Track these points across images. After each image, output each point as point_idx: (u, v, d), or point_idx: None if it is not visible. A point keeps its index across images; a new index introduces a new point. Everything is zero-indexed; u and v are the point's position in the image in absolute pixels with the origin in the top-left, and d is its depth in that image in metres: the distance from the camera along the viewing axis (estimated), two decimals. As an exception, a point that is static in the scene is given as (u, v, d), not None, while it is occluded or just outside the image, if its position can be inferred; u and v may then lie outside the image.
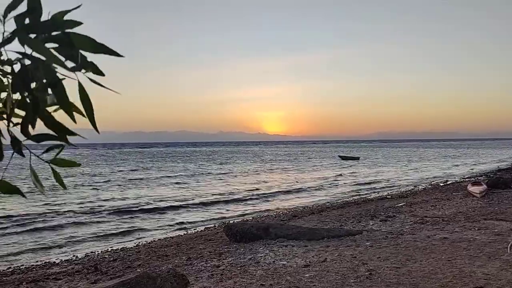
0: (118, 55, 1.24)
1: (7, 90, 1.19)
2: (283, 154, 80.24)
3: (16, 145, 1.25)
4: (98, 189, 24.41)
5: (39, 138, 1.26)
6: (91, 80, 1.25)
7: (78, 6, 1.22)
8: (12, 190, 1.27)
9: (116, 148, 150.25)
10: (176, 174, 34.75)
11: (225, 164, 49.37)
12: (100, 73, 1.26)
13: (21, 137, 1.26)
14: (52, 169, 1.35)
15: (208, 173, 35.94)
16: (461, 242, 7.46)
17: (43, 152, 1.33)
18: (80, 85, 1.23)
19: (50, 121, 1.24)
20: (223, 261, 7.19)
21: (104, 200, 19.60)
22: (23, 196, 1.32)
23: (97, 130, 1.29)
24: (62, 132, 1.25)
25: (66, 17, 1.20)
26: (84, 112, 1.25)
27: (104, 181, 28.99)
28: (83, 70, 1.24)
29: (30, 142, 1.27)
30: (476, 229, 8.67)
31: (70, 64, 1.22)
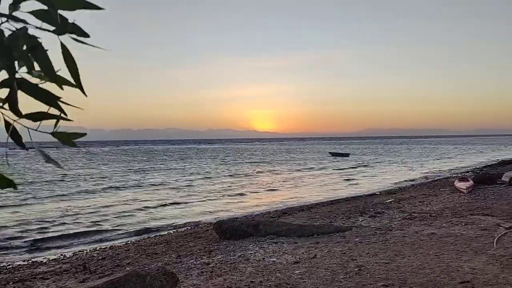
0: (98, 8, 1.16)
1: None
2: (272, 151, 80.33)
3: (8, 127, 1.19)
4: (86, 187, 24.17)
5: (32, 116, 1.21)
6: (74, 39, 1.18)
7: None
8: (6, 183, 1.23)
9: (105, 146, 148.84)
10: (165, 172, 34.58)
11: (214, 162, 49.25)
12: (84, 34, 1.19)
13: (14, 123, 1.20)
14: (58, 137, 1.27)
15: (196, 169, 35.84)
16: (448, 237, 7.56)
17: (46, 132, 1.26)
18: (63, 46, 1.16)
19: (35, 91, 1.17)
20: (213, 258, 7.18)
21: (92, 199, 19.41)
22: (15, 188, 1.27)
23: (83, 93, 1.22)
24: (51, 100, 1.19)
25: None
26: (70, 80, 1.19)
27: (92, 180, 28.72)
28: (66, 35, 1.17)
29: (24, 122, 1.21)
30: (463, 224, 8.79)
31: (50, 27, 1.15)
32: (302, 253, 7.05)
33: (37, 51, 1.14)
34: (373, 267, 5.94)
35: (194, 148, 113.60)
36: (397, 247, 7.07)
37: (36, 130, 1.23)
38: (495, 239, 7.13)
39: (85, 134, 1.32)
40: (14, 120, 1.21)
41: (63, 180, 27.49)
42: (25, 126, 1.23)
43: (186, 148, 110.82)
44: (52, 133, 1.25)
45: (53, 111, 1.22)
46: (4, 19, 1.12)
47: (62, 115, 1.23)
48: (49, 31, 1.15)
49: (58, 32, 1.16)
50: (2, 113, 1.19)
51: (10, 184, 1.23)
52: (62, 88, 1.21)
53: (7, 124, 1.20)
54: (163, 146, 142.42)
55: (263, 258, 6.84)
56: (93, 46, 1.19)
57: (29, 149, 1.29)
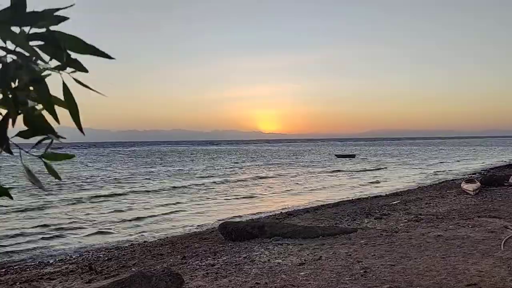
0: (108, 57, 1.19)
1: None
2: (278, 152, 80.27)
3: (3, 142, 1.21)
4: (92, 188, 24.29)
5: (26, 134, 1.23)
6: (76, 81, 1.20)
7: (70, 5, 1.17)
8: (1, 192, 1.24)
9: (110, 147, 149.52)
10: (169, 173, 34.66)
11: (220, 163, 49.31)
12: (83, 69, 1.21)
13: (10, 134, 1.22)
14: (44, 162, 1.30)
15: (202, 171, 35.89)
16: (455, 240, 7.51)
17: (33, 147, 1.28)
18: (64, 85, 1.18)
19: (31, 118, 1.19)
20: (218, 259, 7.18)
21: (98, 200, 19.50)
22: (10, 198, 1.28)
23: (82, 132, 1.24)
24: (43, 129, 1.21)
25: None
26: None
27: (97, 180, 28.87)
28: (68, 69, 1.19)
29: (18, 139, 1.23)
30: (470, 226, 8.72)
31: (54, 63, 1.17)
32: (307, 254, 7.03)
33: (39, 85, 1.17)
34: (378, 269, 5.91)
35: (201, 149, 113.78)
36: (403, 249, 7.03)
37: (27, 152, 1.25)
38: (503, 242, 7.07)
39: (73, 155, 1.35)
40: (8, 138, 1.22)
41: (74, 183, 27.66)
42: (15, 144, 1.24)
43: (194, 149, 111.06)
44: (42, 156, 1.27)
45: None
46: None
47: (55, 137, 1.25)
48: (52, 68, 1.17)
49: (61, 68, 1.19)
50: None
51: (5, 193, 1.24)
52: (58, 122, 1.23)
53: (3, 138, 1.21)
54: (169, 147, 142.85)
55: (268, 260, 6.83)
56: (92, 90, 1.23)
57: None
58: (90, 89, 1.23)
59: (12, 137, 1.23)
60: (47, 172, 1.30)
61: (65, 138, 1.28)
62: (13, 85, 1.16)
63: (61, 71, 1.19)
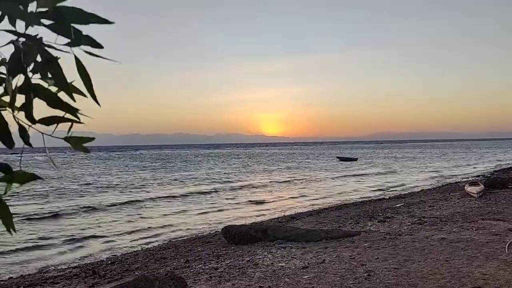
0: (108, 22, 1.18)
1: (5, 76, 1.15)
2: (280, 156, 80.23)
3: (23, 132, 1.22)
4: (96, 192, 24.33)
5: (47, 121, 1.23)
6: (87, 52, 1.20)
7: None
8: (30, 177, 1.25)
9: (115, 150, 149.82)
10: (173, 177, 34.68)
11: (223, 166, 49.31)
12: (98, 45, 1.21)
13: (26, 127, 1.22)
14: (69, 142, 1.30)
15: (205, 174, 35.89)
16: (459, 243, 7.47)
17: (52, 133, 1.28)
18: (76, 59, 1.19)
19: (50, 99, 1.20)
20: (222, 263, 7.17)
21: (102, 203, 19.53)
22: (41, 178, 1.30)
23: (98, 103, 1.25)
24: (64, 108, 1.22)
25: None
26: (84, 89, 1.22)
27: (102, 184, 28.92)
28: (81, 46, 1.19)
29: (38, 127, 1.23)
30: (474, 229, 8.68)
31: (64, 40, 1.17)
32: (311, 258, 7.02)
33: (52, 65, 1.17)
34: (382, 273, 5.89)
35: (204, 153, 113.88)
36: (407, 252, 7.01)
37: (50, 135, 1.26)
38: (507, 245, 7.03)
39: (93, 138, 1.35)
40: (29, 126, 1.23)
41: (77, 189, 27.71)
42: (39, 131, 1.26)
43: (198, 153, 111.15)
44: (65, 138, 1.28)
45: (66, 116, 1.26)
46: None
47: (75, 119, 1.26)
48: (63, 44, 1.17)
49: (72, 44, 1.18)
50: (18, 118, 1.22)
51: (34, 177, 1.26)
52: (74, 100, 1.24)
53: (22, 129, 1.23)
54: (172, 151, 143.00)
55: (272, 263, 6.82)
56: (106, 59, 1.22)
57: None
58: (104, 58, 1.23)
59: (30, 127, 1.24)
60: (75, 150, 1.33)
61: (86, 118, 1.30)
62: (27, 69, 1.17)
63: (72, 47, 1.19)
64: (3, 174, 1.23)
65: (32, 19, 1.13)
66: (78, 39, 1.18)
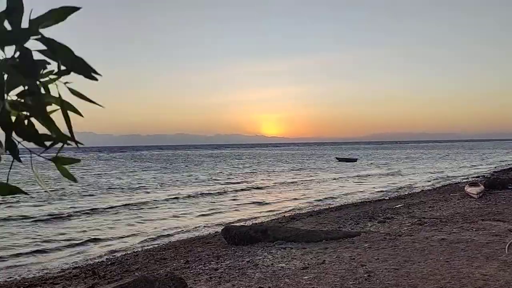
0: (93, 76, 1.14)
1: None
2: (280, 156, 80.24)
3: (10, 146, 1.19)
4: (97, 193, 24.32)
5: (41, 139, 1.21)
6: (72, 91, 1.17)
7: (78, 8, 1.12)
8: (13, 190, 1.21)
9: (114, 151, 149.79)
10: (173, 177, 34.68)
11: (223, 167, 49.30)
12: (91, 78, 1.17)
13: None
14: (56, 165, 1.27)
15: (205, 175, 35.88)
16: (459, 243, 7.47)
17: (43, 152, 1.26)
18: (60, 98, 1.16)
19: (25, 131, 1.17)
20: (222, 264, 7.17)
21: (102, 204, 19.52)
22: (25, 193, 1.27)
23: (76, 144, 1.22)
24: (37, 139, 1.19)
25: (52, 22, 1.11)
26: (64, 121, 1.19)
27: (102, 186, 28.91)
28: (63, 79, 1.16)
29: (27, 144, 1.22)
30: (474, 230, 8.68)
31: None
32: (311, 258, 7.01)
33: (34, 95, 1.14)
34: (382, 273, 5.89)
35: (204, 154, 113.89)
36: (406, 253, 7.01)
37: (38, 155, 1.24)
38: (507, 245, 7.03)
39: (79, 160, 1.33)
40: (18, 142, 1.21)
41: (77, 191, 27.74)
42: (27, 148, 1.23)
43: (198, 154, 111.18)
44: (52, 159, 1.26)
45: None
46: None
47: (67, 140, 1.24)
48: (52, 74, 1.15)
49: (64, 72, 1.15)
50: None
51: (18, 190, 1.22)
52: (70, 127, 1.22)
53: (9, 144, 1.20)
54: (172, 151, 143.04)
55: (272, 264, 6.82)
56: (91, 101, 1.21)
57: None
58: (90, 101, 1.21)
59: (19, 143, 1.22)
60: (62, 176, 1.30)
61: (82, 144, 1.28)
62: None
63: (59, 79, 1.16)
64: None
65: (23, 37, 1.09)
66: (73, 67, 1.15)
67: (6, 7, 1.08)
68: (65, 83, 1.18)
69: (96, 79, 1.16)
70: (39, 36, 1.11)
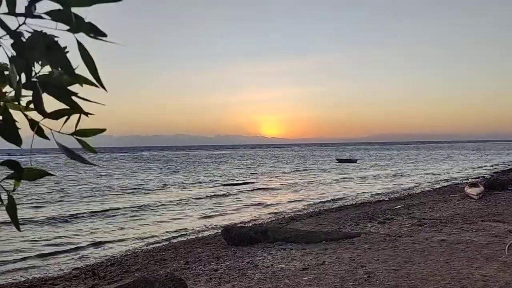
0: (115, 0, 1.14)
1: (9, 69, 1.11)
2: (281, 157, 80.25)
3: (35, 127, 1.19)
4: (96, 195, 24.33)
5: (54, 114, 1.22)
6: (90, 36, 1.18)
7: None
8: (41, 174, 1.23)
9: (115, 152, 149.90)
10: (174, 178, 34.70)
11: (223, 168, 49.31)
12: (101, 33, 1.17)
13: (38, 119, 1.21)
14: (77, 139, 1.27)
15: (206, 176, 35.89)
16: (459, 244, 7.47)
17: (62, 127, 1.25)
18: (79, 43, 1.16)
19: (58, 92, 1.18)
20: (221, 264, 7.17)
21: (101, 206, 19.53)
22: (51, 174, 1.29)
23: (104, 88, 1.22)
24: (71, 102, 1.19)
25: None
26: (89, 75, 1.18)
27: (102, 188, 28.92)
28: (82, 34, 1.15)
29: (48, 120, 1.22)
30: (474, 230, 8.69)
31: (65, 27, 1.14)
32: (311, 259, 7.02)
33: (54, 49, 1.15)
34: (382, 274, 5.89)
35: (204, 154, 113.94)
36: (406, 253, 7.01)
37: (58, 131, 1.24)
38: (507, 246, 7.03)
39: (104, 129, 1.33)
40: (38, 122, 1.23)
41: (77, 192, 27.68)
42: (48, 128, 1.25)
43: (199, 154, 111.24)
44: (73, 134, 1.27)
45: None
46: (21, 19, 1.13)
47: (83, 112, 1.25)
48: (64, 30, 1.14)
49: (74, 30, 1.15)
50: (27, 115, 1.21)
51: (44, 173, 1.24)
52: (82, 85, 1.22)
53: (33, 125, 1.22)
54: (173, 152, 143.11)
55: (272, 265, 6.82)
56: (109, 42, 1.20)
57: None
58: (107, 41, 1.21)
59: (42, 120, 1.22)
60: (83, 149, 1.30)
61: (93, 114, 1.28)
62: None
63: (75, 34, 1.15)
64: (12, 172, 1.21)
65: (30, 6, 1.10)
66: (79, 26, 1.15)
67: None
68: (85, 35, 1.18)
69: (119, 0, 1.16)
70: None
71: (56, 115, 1.22)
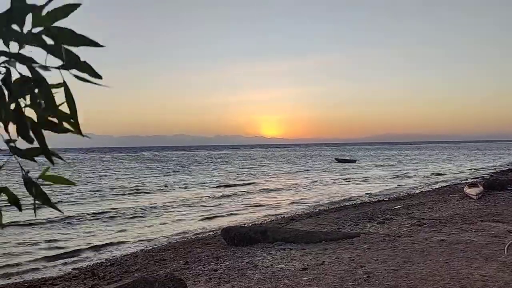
0: (99, 45, 1.15)
1: None
2: (280, 157, 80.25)
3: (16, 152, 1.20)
4: (95, 196, 24.31)
5: (31, 153, 1.21)
6: (76, 77, 1.17)
7: (76, 5, 1.12)
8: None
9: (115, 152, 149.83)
10: (174, 178, 34.70)
11: (223, 168, 49.30)
12: (96, 75, 1.16)
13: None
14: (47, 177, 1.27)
15: (205, 176, 35.89)
16: (458, 244, 7.48)
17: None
18: (66, 86, 1.16)
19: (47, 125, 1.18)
20: (221, 265, 7.17)
21: (101, 206, 19.53)
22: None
23: (81, 134, 1.22)
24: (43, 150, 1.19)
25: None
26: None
27: (102, 189, 28.90)
28: (75, 71, 1.15)
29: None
30: (473, 231, 8.69)
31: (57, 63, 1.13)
32: (310, 259, 7.02)
33: (41, 86, 1.14)
34: (382, 274, 5.90)
35: (204, 154, 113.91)
36: (406, 254, 7.01)
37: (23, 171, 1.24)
38: (506, 246, 7.04)
39: (74, 183, 1.35)
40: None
41: (78, 192, 27.69)
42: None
43: (199, 155, 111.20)
44: (41, 176, 1.27)
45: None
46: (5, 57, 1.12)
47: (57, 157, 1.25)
48: (56, 67, 1.14)
49: (66, 67, 1.15)
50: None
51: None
52: (62, 124, 1.21)
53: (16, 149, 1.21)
54: (172, 152, 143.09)
55: (271, 265, 6.82)
56: (95, 83, 1.19)
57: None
58: (94, 83, 1.20)
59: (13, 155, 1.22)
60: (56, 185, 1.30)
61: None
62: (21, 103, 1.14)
63: (62, 70, 1.15)
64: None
65: (28, 39, 1.10)
66: (72, 63, 1.14)
67: (11, 6, 1.08)
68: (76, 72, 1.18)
69: (102, 46, 1.17)
70: (42, 29, 1.12)
71: (30, 153, 1.22)
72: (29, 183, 1.27)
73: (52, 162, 1.24)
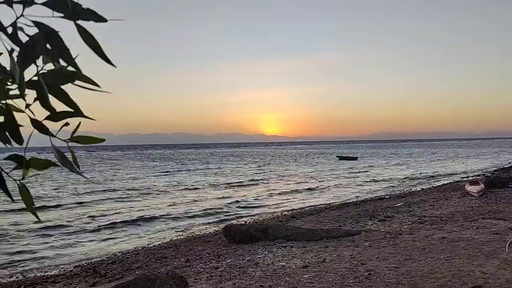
0: (103, 19, 1.13)
1: (13, 67, 1.10)
2: (281, 155, 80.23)
3: (37, 125, 1.19)
4: (95, 194, 24.35)
5: (56, 116, 1.20)
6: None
7: None
8: (45, 164, 1.24)
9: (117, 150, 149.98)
10: (173, 176, 34.71)
11: (225, 166, 49.31)
12: (100, 18, 1.14)
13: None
14: (77, 141, 1.27)
15: (205, 173, 35.91)
16: (460, 242, 7.48)
17: (59, 130, 1.24)
18: (79, 27, 1.13)
19: (59, 93, 1.17)
20: (222, 262, 7.18)
21: (102, 205, 19.56)
22: (56, 165, 1.26)
23: (111, 63, 1.20)
24: (71, 104, 1.19)
25: None
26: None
27: (103, 186, 28.93)
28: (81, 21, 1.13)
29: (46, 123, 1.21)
30: (474, 228, 8.69)
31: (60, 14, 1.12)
32: (311, 257, 7.02)
33: (53, 37, 1.12)
34: (383, 272, 5.90)
35: (203, 152, 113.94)
36: (407, 251, 7.01)
37: (55, 136, 1.23)
38: (507, 244, 7.04)
39: (103, 139, 1.33)
40: (41, 121, 1.21)
41: (78, 189, 27.72)
42: (45, 131, 1.23)
43: (200, 153, 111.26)
44: (71, 138, 1.26)
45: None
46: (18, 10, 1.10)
47: (84, 116, 1.24)
48: (61, 17, 1.12)
49: (71, 18, 1.13)
50: (29, 114, 1.20)
51: (50, 163, 1.25)
52: (81, 80, 1.20)
53: (36, 122, 1.21)
54: (174, 150, 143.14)
55: (272, 263, 6.83)
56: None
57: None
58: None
59: (44, 119, 1.21)
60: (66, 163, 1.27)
61: (94, 120, 1.27)
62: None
63: (74, 21, 1.13)
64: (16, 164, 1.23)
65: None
66: (77, 12, 1.12)
67: None
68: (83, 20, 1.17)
69: (105, 20, 1.15)
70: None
71: (56, 116, 1.21)
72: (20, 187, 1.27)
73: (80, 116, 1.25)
